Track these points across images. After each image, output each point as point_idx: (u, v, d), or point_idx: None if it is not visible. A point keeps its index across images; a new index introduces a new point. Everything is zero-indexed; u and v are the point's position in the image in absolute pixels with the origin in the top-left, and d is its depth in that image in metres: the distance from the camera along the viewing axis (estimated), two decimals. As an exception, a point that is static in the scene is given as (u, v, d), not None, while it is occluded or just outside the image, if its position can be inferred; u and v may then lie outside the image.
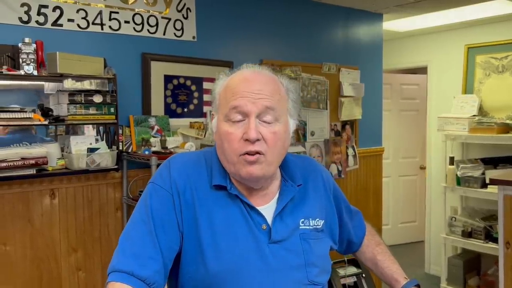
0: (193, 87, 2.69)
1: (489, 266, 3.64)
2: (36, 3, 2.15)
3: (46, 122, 2.04)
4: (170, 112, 2.59)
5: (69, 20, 2.24)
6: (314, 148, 3.25)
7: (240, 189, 1.05)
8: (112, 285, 0.93)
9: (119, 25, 2.40)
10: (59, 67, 2.01)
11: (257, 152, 0.98)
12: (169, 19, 2.58)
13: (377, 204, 3.75)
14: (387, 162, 4.85)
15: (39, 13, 2.16)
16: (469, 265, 3.72)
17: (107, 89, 2.21)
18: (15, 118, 1.93)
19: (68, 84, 2.08)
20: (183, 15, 2.63)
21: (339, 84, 3.39)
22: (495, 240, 3.17)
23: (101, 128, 2.33)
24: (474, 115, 3.60)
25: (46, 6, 2.18)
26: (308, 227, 1.08)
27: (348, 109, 3.44)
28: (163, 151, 2.33)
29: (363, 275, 2.56)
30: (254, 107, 0.98)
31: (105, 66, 2.21)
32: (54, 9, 2.20)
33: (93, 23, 2.32)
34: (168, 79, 2.59)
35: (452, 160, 3.60)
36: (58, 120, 2.10)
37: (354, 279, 2.53)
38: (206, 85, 2.71)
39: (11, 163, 1.94)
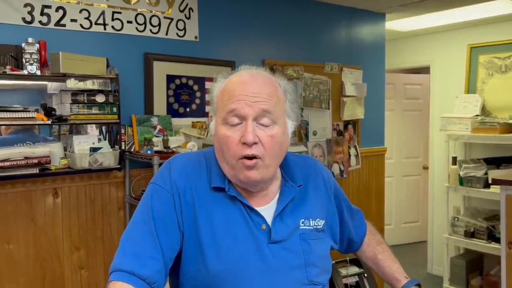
0: (195, 87, 2.70)
1: (491, 266, 3.63)
2: (39, 3, 2.16)
3: (49, 122, 2.05)
4: (172, 112, 2.60)
5: (72, 20, 2.25)
6: (316, 148, 3.25)
7: (240, 190, 1.05)
8: (113, 284, 0.94)
9: (122, 25, 2.41)
10: (62, 67, 2.01)
11: (255, 156, 0.98)
12: (172, 19, 2.59)
13: (380, 204, 3.75)
14: (390, 162, 4.84)
15: (42, 13, 2.17)
16: (472, 265, 3.71)
17: (110, 89, 2.21)
18: (19, 117, 1.94)
19: (71, 84, 2.09)
20: (185, 15, 2.64)
21: (341, 84, 3.39)
22: (497, 240, 3.17)
23: (103, 127, 2.34)
24: (477, 115, 3.59)
25: (49, 6, 2.19)
26: (308, 227, 1.08)
27: (350, 109, 3.44)
28: (165, 150, 2.34)
29: (365, 274, 2.56)
30: (251, 110, 0.99)
31: (107, 66, 2.22)
32: (57, 9, 2.21)
33: (95, 23, 2.33)
34: (170, 79, 2.59)
35: (454, 160, 3.59)
36: (61, 119, 2.11)
37: (356, 278, 2.53)
38: (208, 85, 2.72)
39: (14, 162, 1.95)
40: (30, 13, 2.14)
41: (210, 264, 1.00)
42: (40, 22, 2.17)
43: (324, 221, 1.12)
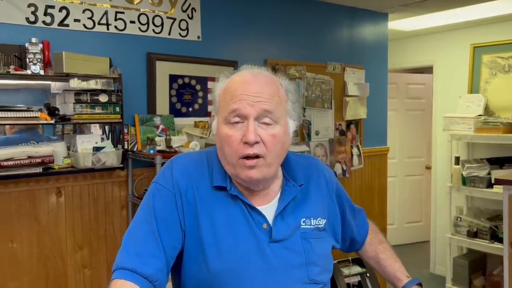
0: (198, 87, 2.70)
1: (494, 267, 3.62)
2: (43, 3, 2.17)
3: (53, 121, 2.06)
4: (175, 112, 2.61)
5: (75, 20, 2.26)
6: (319, 148, 3.26)
7: (241, 189, 1.06)
8: (115, 282, 0.95)
9: (125, 25, 2.42)
10: (65, 66, 2.03)
11: (257, 156, 0.99)
12: (174, 19, 2.59)
13: (382, 203, 3.75)
14: (393, 162, 4.84)
15: (45, 14, 2.18)
16: (475, 265, 3.70)
17: (113, 89, 2.23)
18: (22, 117, 1.95)
19: (74, 83, 2.10)
20: (188, 15, 2.65)
21: (344, 83, 3.39)
22: (500, 240, 3.16)
23: (106, 127, 2.35)
24: (480, 115, 3.58)
25: (52, 7, 2.20)
26: (309, 227, 1.09)
27: (353, 109, 3.44)
28: (168, 150, 2.34)
29: (368, 274, 2.57)
30: (253, 110, 0.99)
31: (110, 66, 2.23)
32: (60, 10, 2.22)
33: (99, 23, 2.34)
34: (173, 78, 2.60)
35: (457, 160, 3.58)
36: (64, 119, 2.12)
37: (358, 278, 2.54)
38: (210, 84, 2.72)
39: (18, 162, 1.96)
40: (33, 13, 2.15)
41: (211, 263, 1.00)
42: (43, 22, 2.18)
43: (325, 220, 1.13)
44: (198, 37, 2.70)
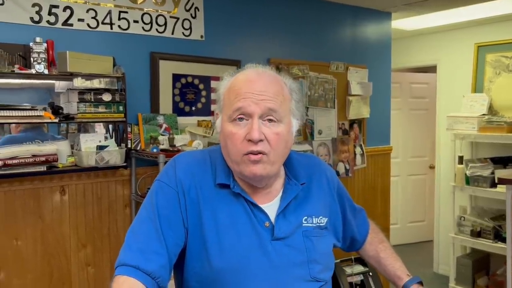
0: (201, 86, 2.71)
1: (498, 266, 3.61)
2: (47, 3, 2.18)
3: (57, 120, 2.07)
4: (178, 111, 2.62)
5: (79, 19, 2.28)
6: (322, 147, 3.26)
7: (244, 187, 1.07)
8: (118, 278, 0.96)
9: (128, 24, 2.43)
10: (69, 66, 2.04)
11: (260, 152, 1.00)
12: (178, 19, 2.60)
13: (385, 203, 3.74)
14: (396, 161, 4.83)
15: (50, 13, 2.20)
16: (478, 265, 3.70)
17: (116, 88, 2.24)
18: (27, 116, 1.97)
19: (78, 82, 2.11)
20: (191, 14, 2.65)
21: (347, 83, 3.39)
22: (504, 240, 3.15)
23: (110, 126, 2.36)
24: (483, 114, 3.57)
25: (56, 6, 2.21)
26: (311, 225, 1.09)
27: (356, 108, 3.44)
28: (171, 149, 2.35)
29: (370, 273, 2.57)
30: (257, 108, 1.00)
31: (114, 65, 2.24)
32: (64, 9, 2.23)
33: (102, 23, 2.35)
34: (176, 78, 2.61)
35: (461, 160, 3.57)
36: (68, 118, 2.14)
37: (361, 277, 2.54)
38: (214, 83, 2.73)
39: (22, 160, 1.98)
40: (38, 12, 2.16)
41: (214, 261, 1.01)
42: (47, 21, 2.19)
43: (327, 218, 1.13)
44: (201, 36, 2.71)
